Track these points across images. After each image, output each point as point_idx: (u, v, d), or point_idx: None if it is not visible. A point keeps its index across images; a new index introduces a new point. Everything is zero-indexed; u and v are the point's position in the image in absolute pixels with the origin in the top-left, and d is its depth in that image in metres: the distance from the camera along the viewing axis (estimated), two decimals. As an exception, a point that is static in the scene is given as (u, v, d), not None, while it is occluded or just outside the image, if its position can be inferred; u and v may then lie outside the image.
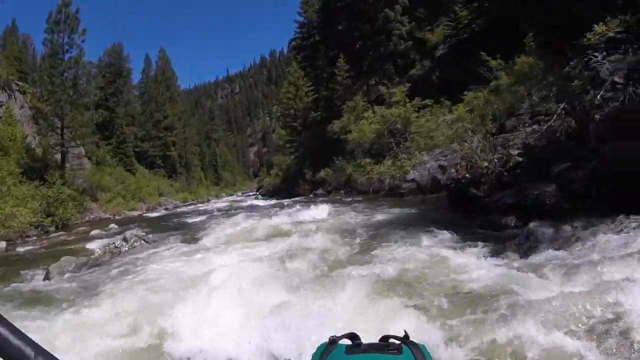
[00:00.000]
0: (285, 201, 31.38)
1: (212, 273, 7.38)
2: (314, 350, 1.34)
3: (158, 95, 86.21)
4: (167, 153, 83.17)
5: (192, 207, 49.24)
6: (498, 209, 10.90)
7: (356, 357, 1.22)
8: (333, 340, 1.33)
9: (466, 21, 32.53)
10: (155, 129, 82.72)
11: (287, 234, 12.21)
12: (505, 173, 13.16)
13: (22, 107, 44.20)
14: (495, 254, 7.57)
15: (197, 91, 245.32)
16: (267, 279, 6.85)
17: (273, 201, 35.43)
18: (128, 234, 12.76)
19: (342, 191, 29.80)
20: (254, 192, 76.13)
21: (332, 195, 30.46)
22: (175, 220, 26.13)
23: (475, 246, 8.31)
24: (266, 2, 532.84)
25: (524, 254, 7.28)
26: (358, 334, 1.32)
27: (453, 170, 19.25)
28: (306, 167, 40.17)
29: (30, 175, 34.55)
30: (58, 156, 42.16)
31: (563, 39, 13.07)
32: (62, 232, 26.49)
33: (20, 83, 44.83)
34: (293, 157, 47.44)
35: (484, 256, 7.41)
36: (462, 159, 17.71)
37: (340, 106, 41.53)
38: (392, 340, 1.29)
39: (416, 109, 27.85)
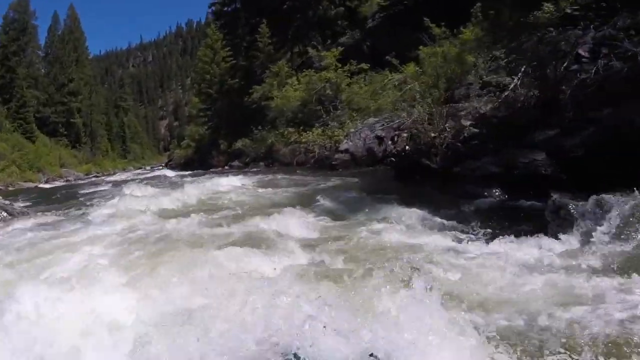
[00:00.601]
0: (195, 172, 28.47)
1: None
2: None
3: (64, 56, 79.53)
4: (71, 120, 76.95)
5: (94, 179, 44.96)
6: (474, 180, 9.00)
7: None
8: None
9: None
10: (58, 93, 76.32)
11: (187, 209, 10.04)
12: (459, 144, 11.37)
13: None
14: (520, 234, 5.26)
15: (107, 58, 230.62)
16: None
17: (179, 173, 32.40)
18: (-17, 202, 9.61)
19: (261, 163, 27.18)
20: (162, 166, 72.36)
21: (250, 167, 27.61)
22: (69, 191, 22.81)
23: (474, 228, 6.11)
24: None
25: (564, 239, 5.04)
26: None
27: (390, 141, 17.30)
28: (221, 138, 37.09)
29: None
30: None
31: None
32: None
33: None
34: (207, 127, 43.80)
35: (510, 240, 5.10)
36: (404, 128, 15.80)
37: (260, 74, 39.04)
38: None
39: (348, 74, 25.48)
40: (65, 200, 17.47)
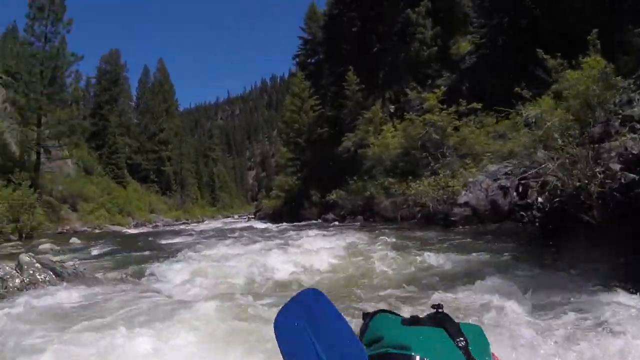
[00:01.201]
0: (287, 225, 26.51)
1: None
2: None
3: (155, 106, 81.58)
4: (162, 168, 78.34)
5: (183, 226, 44.06)
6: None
7: (414, 329, 1.29)
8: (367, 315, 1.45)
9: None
10: (150, 141, 78.02)
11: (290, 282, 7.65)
12: (617, 194, 8.77)
13: (4, 101, 39.86)
14: None
15: (197, 111, 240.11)
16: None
17: (272, 225, 30.15)
18: (25, 259, 7.34)
19: (359, 217, 24.86)
20: (250, 216, 71.50)
21: (347, 220, 25.18)
22: (153, 240, 21.10)
23: None
24: (270, 26, 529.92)
25: None
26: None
27: (515, 192, 14.69)
28: (312, 188, 35.21)
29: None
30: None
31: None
32: (16, 243, 21.75)
33: (5, 77, 39.95)
34: (296, 177, 42.25)
35: None
36: (537, 176, 13.23)
37: (349, 123, 37.25)
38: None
39: (455, 117, 22.58)
40: (144, 248, 15.68)
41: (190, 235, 23.38)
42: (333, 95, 41.41)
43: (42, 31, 36.10)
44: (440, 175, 19.11)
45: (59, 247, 17.18)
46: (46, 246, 17.20)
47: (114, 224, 41.99)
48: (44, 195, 37.04)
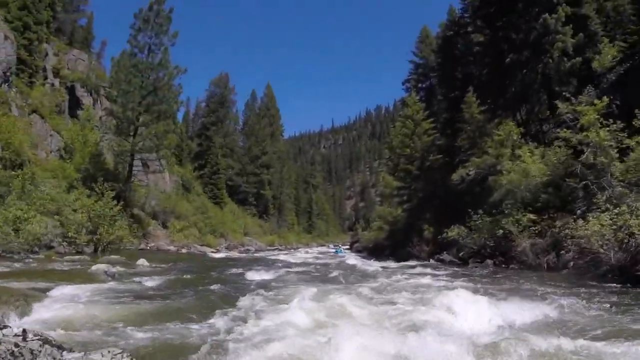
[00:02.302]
0: (394, 265, 21.24)
1: None
2: None
3: (260, 130, 79.50)
4: (261, 191, 75.98)
5: (274, 253, 39.79)
6: None
7: None
8: None
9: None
10: (252, 164, 75.91)
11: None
12: None
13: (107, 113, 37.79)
14: None
15: (301, 139, 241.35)
16: None
17: (372, 262, 24.31)
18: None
19: (488, 261, 19.18)
20: (336, 245, 66.81)
21: (470, 264, 19.76)
22: (234, 271, 16.83)
23: None
24: (378, 56, 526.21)
25: None
26: None
27: None
28: (424, 222, 29.63)
29: (89, 184, 26.98)
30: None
31: None
32: (81, 257, 19.20)
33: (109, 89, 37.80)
34: (403, 208, 37.21)
35: None
36: None
37: (466, 151, 31.85)
38: None
39: (622, 135, 16.37)
40: (214, 288, 11.36)
41: (278, 268, 18.99)
42: (445, 122, 36.37)
43: (146, 42, 33.72)
44: (615, 211, 13.15)
45: (115, 270, 14.10)
46: (100, 267, 14.11)
47: (203, 245, 38.66)
48: (134, 209, 34.28)
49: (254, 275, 14.87)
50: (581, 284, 11.76)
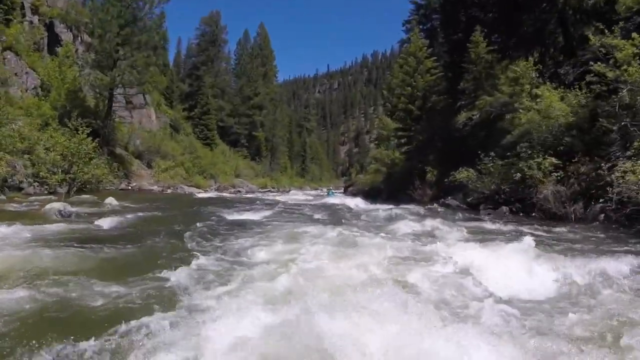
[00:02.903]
0: (395, 208, 18.82)
1: None
2: None
3: (252, 70, 76.30)
4: (254, 133, 73.45)
5: (266, 195, 37.54)
6: None
7: None
8: None
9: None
10: (244, 105, 73.13)
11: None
12: None
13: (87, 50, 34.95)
14: None
15: (295, 83, 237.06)
16: None
17: (372, 205, 22.49)
18: None
19: (504, 207, 16.80)
20: (331, 189, 64.69)
21: (481, 211, 17.25)
22: (218, 209, 14.69)
23: None
24: (375, 1, 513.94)
25: None
26: None
27: None
28: (427, 164, 27.12)
29: (65, 122, 24.52)
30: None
31: None
32: (47, 198, 17.34)
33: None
34: (403, 150, 34.52)
35: None
36: None
37: (472, 93, 29.45)
38: None
39: None
40: (189, 223, 9.41)
41: (270, 207, 16.86)
42: (447, 65, 33.69)
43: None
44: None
45: (73, 209, 12.20)
46: (55, 206, 12.08)
47: (190, 185, 36.45)
48: (116, 147, 31.91)
49: (236, 215, 12.68)
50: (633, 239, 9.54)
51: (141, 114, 41.30)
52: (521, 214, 15.38)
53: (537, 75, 21.40)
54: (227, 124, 69.70)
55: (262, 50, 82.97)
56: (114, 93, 30.58)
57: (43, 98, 28.60)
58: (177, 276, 5.22)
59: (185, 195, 27.60)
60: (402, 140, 33.89)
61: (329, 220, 12.48)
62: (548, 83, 19.91)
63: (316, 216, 14.32)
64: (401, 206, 20.09)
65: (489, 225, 11.77)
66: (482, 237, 8.90)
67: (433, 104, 31.93)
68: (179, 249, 7.27)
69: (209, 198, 24.72)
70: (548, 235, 10.14)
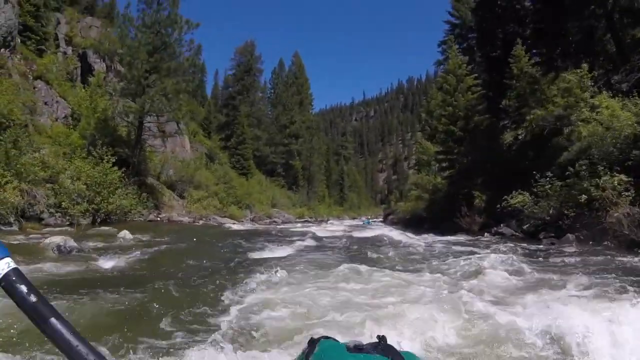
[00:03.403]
0: (441, 241, 16.60)
1: None
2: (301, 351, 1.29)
3: (287, 98, 75.41)
4: (290, 162, 72.13)
5: (301, 226, 35.66)
6: None
7: (359, 356, 1.16)
8: (312, 341, 1.28)
9: None
10: (280, 134, 72.24)
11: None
12: None
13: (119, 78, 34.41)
14: None
15: (332, 112, 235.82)
16: None
17: (416, 237, 19.16)
18: None
19: (569, 235, 14.19)
20: (368, 219, 62.55)
21: (544, 239, 14.77)
22: (243, 246, 12.97)
23: None
24: (408, 28, 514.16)
25: None
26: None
27: None
28: (475, 189, 24.66)
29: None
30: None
31: None
32: (64, 229, 16.56)
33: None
34: (445, 175, 32.12)
35: None
36: None
37: (517, 110, 27.51)
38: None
39: None
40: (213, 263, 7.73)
41: (301, 240, 15.11)
42: (486, 83, 31.70)
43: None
44: None
45: (74, 244, 10.62)
46: (54, 240, 10.57)
47: (224, 216, 34.99)
48: (148, 177, 30.75)
49: (259, 252, 10.92)
50: None
51: (175, 143, 40.34)
52: (591, 242, 13.15)
53: (593, 83, 19.35)
54: (264, 153, 68.59)
55: (297, 78, 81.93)
56: (144, 121, 29.43)
57: (72, 127, 27.83)
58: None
59: (215, 227, 25.93)
60: (444, 164, 31.72)
61: (369, 259, 10.41)
62: (604, 92, 17.84)
63: (351, 253, 12.16)
64: (449, 237, 18.11)
65: (568, 260, 9.62)
66: (570, 280, 6.77)
67: (476, 124, 29.86)
68: (178, 302, 5.55)
69: (239, 230, 22.90)
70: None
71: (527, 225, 17.27)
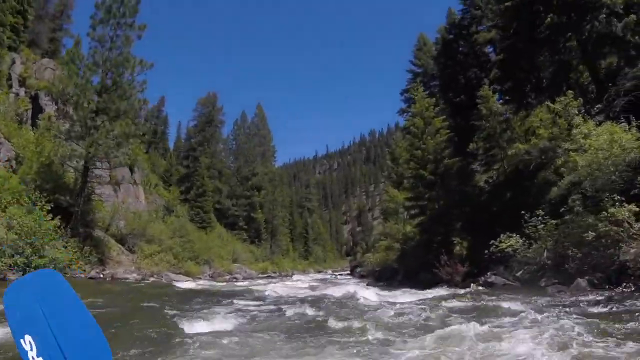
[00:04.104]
0: (422, 297, 13.83)
1: None
2: None
3: (249, 149, 73.40)
4: (252, 215, 69.24)
5: (263, 282, 32.71)
6: None
7: None
8: None
9: None
10: (242, 186, 69.91)
11: None
12: None
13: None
14: None
15: (295, 166, 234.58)
16: None
17: (385, 292, 16.92)
18: None
19: (579, 280, 10.98)
20: (344, 273, 59.79)
21: (550, 287, 12.11)
22: (181, 312, 10.08)
23: None
24: (369, 82, 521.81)
25: None
26: None
27: None
28: (454, 235, 22.33)
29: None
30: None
31: None
32: None
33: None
34: (418, 221, 28.49)
35: None
36: None
37: (487, 151, 26.74)
38: None
39: None
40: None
41: (257, 304, 12.42)
42: (451, 129, 29.99)
43: (105, 34, 27.27)
44: None
45: None
46: None
47: (179, 273, 31.91)
48: (95, 230, 27.80)
49: (198, 324, 8.24)
50: None
51: (128, 193, 37.55)
52: (607, 287, 10.85)
53: (577, 112, 17.57)
54: (225, 206, 65.88)
55: (260, 130, 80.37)
56: (90, 167, 26.60)
57: (13, 171, 24.96)
58: None
59: (164, 285, 22.48)
60: (414, 211, 29.42)
61: (337, 334, 7.51)
62: (590, 120, 16.04)
63: (309, 324, 9.15)
64: (429, 290, 15.67)
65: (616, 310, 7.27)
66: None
67: (446, 167, 27.91)
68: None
69: (187, 291, 19.45)
70: None
71: (521, 272, 14.96)
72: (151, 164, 60.06)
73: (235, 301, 13.29)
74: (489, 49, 36.93)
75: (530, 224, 14.79)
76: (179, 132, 79.71)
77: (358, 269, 47.09)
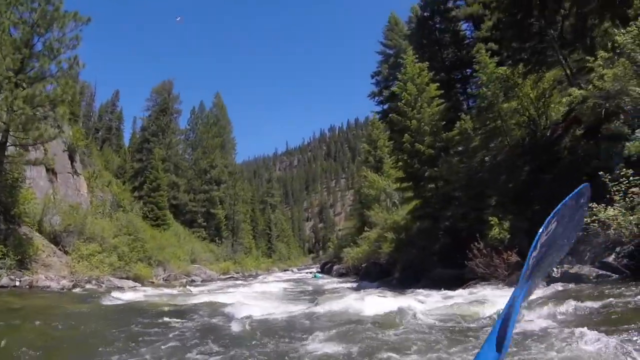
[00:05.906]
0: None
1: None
2: None
3: (208, 140, 67.38)
4: (212, 211, 63.19)
5: (225, 285, 27.31)
6: None
7: None
8: None
9: None
10: (199, 179, 63.95)
11: None
12: None
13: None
14: None
15: (255, 163, 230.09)
16: None
17: (418, 298, 12.48)
18: None
19: None
20: (316, 270, 54.88)
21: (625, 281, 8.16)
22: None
23: None
24: (328, 78, 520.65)
25: None
26: None
27: None
28: (486, 214, 16.19)
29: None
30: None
31: None
32: None
33: None
34: (416, 204, 23.07)
35: None
36: None
37: (480, 128, 22.77)
38: None
39: None
40: None
41: (216, 327, 7.62)
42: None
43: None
44: None
45: None
46: None
47: (125, 277, 26.22)
48: (21, 225, 21.95)
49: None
50: None
51: (67, 185, 31.51)
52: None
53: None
54: (182, 202, 59.80)
55: (219, 120, 74.46)
56: (8, 143, 20.64)
57: None
58: None
59: (98, 295, 16.33)
60: (412, 193, 24.28)
61: None
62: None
63: None
64: (483, 292, 10.69)
65: None
66: None
67: (446, 141, 23.15)
68: None
69: (120, 308, 13.30)
70: None
71: (620, 256, 9.90)
72: (104, 160, 53.89)
73: (178, 337, 7.94)
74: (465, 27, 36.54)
75: (617, 185, 9.91)
76: (134, 128, 73.32)
77: (336, 267, 41.72)
